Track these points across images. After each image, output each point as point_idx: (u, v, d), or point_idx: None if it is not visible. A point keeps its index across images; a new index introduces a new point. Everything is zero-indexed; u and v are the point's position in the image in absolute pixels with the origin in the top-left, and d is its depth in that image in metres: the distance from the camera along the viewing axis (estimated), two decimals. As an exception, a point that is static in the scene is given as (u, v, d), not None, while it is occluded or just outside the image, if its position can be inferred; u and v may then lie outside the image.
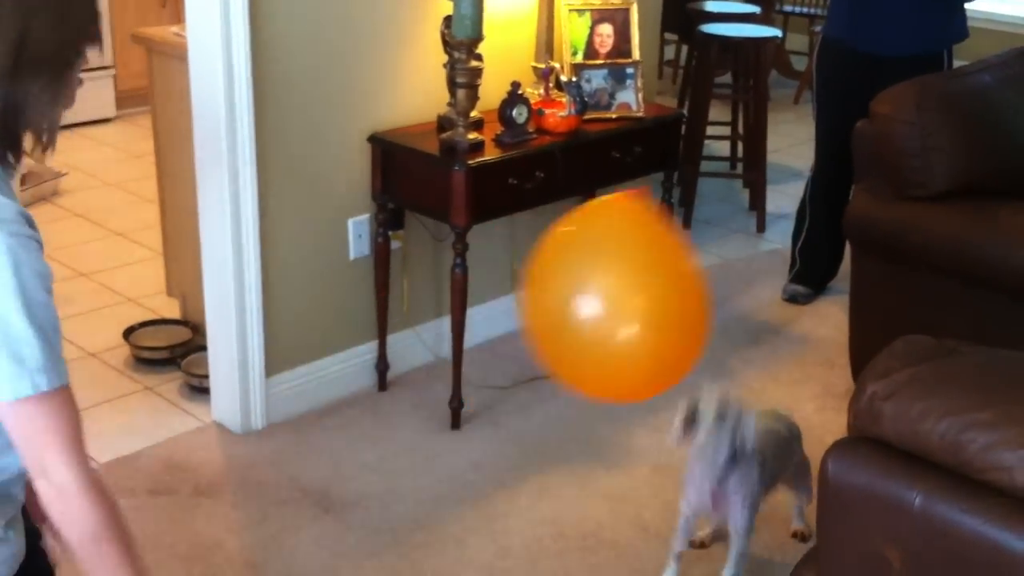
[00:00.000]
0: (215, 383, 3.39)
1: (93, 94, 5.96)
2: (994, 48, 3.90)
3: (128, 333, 3.77)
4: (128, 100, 6.13)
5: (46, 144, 1.46)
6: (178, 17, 5.77)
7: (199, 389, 3.51)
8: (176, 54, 3.50)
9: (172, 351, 3.69)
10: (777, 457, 2.67)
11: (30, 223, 1.41)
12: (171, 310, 3.98)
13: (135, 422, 3.39)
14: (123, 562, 1.45)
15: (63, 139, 5.38)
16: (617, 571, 2.82)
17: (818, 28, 6.41)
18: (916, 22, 3.92)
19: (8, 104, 1.39)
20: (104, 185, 5.29)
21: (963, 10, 4.05)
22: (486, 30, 3.22)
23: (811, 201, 4.33)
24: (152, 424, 3.36)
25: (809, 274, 4.38)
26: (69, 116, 5.57)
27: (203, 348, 3.52)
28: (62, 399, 1.39)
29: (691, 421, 2.47)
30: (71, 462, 1.39)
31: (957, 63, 3.96)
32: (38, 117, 1.43)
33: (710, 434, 2.44)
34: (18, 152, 1.45)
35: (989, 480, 1.63)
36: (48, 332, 1.38)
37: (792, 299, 4.33)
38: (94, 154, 5.65)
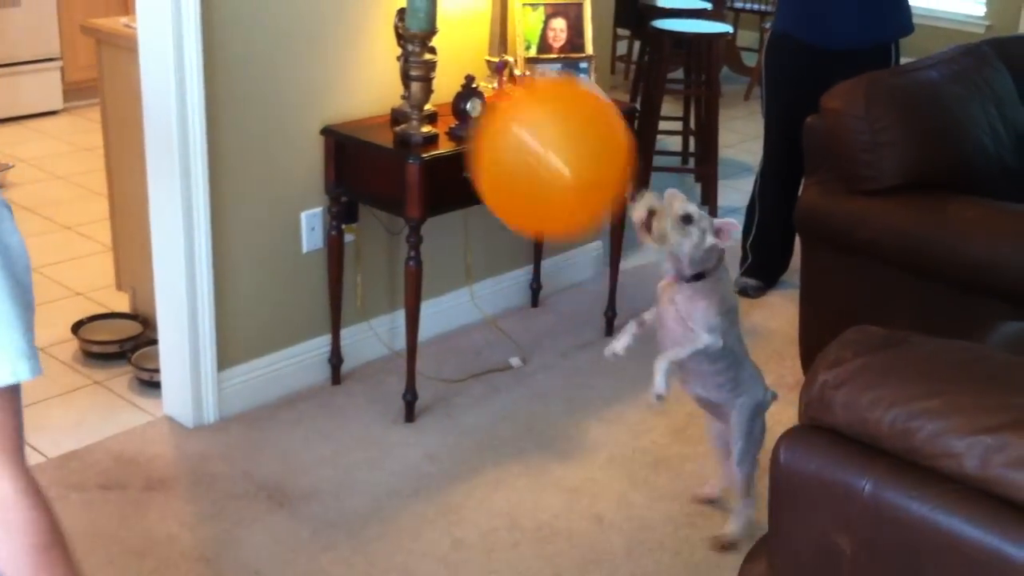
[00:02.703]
0: (166, 377, 3.36)
1: (40, 86, 5.88)
2: (939, 45, 3.96)
3: (77, 327, 3.73)
4: (76, 92, 6.05)
5: None
6: (127, 8, 5.71)
7: (149, 383, 3.48)
8: (126, 46, 3.46)
9: (122, 345, 3.65)
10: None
11: None
12: (121, 304, 3.94)
13: (85, 417, 3.35)
14: (70, 568, 1.32)
15: (10, 132, 5.32)
16: (571, 561, 2.84)
17: (768, 24, 6.47)
18: (862, 15, 3.98)
19: None
20: (52, 178, 5.22)
21: (908, 5, 4.11)
22: (440, 23, 3.21)
23: (761, 196, 4.37)
24: (102, 419, 3.33)
25: (760, 268, 4.42)
26: (15, 108, 5.52)
27: (153, 342, 3.49)
28: (12, 395, 1.26)
29: (651, 213, 2.56)
30: (16, 466, 1.24)
31: (906, 60, 4.01)
32: None
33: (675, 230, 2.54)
34: None
35: (938, 467, 1.66)
36: (30, 314, 1.26)
37: (743, 292, 4.37)
38: (41, 146, 5.56)
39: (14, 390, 1.24)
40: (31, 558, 1.26)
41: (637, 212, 2.56)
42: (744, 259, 4.45)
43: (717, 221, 2.63)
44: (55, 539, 1.28)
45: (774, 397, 2.93)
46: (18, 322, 1.23)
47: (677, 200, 2.60)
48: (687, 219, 2.57)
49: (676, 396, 3.58)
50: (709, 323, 2.69)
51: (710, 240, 2.61)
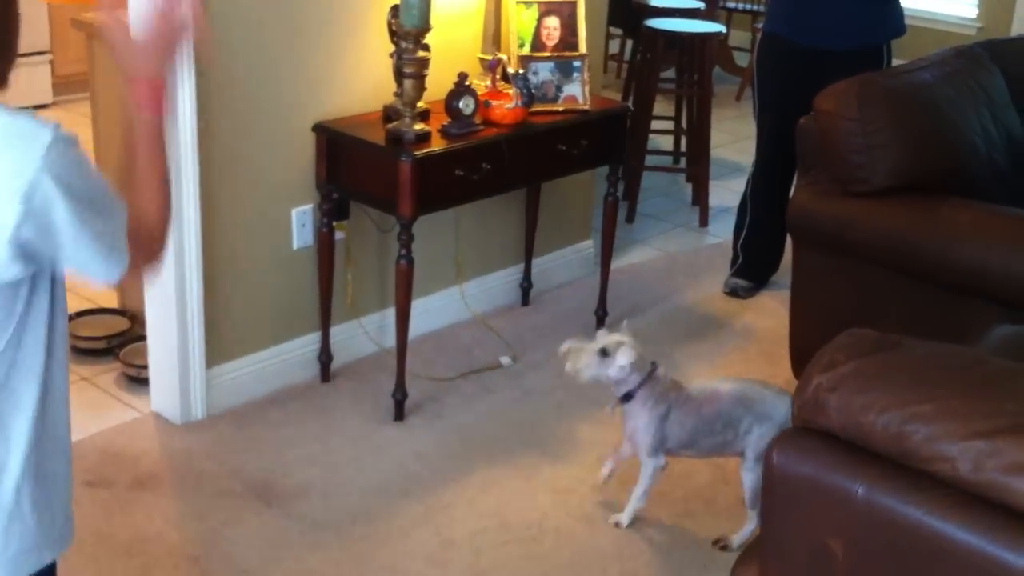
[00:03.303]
0: (154, 373, 3.34)
1: (30, 80, 5.85)
2: (931, 47, 3.97)
3: (65, 322, 3.70)
4: (65, 86, 6.03)
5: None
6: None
7: (137, 380, 3.46)
8: (117, 39, 3.43)
9: (109, 341, 3.63)
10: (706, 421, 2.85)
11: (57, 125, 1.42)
12: (108, 299, 3.92)
13: (72, 413, 3.31)
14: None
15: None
16: (561, 561, 2.83)
17: (760, 24, 6.47)
18: (854, 16, 3.98)
19: None
20: (41, 172, 5.18)
21: (899, 6, 4.11)
22: (433, 21, 3.20)
23: (752, 196, 4.36)
24: (89, 415, 3.31)
25: (751, 268, 4.42)
26: (5, 101, 5.44)
27: (142, 338, 3.47)
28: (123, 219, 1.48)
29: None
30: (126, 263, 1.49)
31: (898, 62, 4.01)
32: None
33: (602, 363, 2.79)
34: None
35: (932, 471, 1.65)
36: (114, 210, 1.46)
37: (733, 293, 4.37)
38: (30, 140, 5.51)
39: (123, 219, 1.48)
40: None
41: (561, 349, 2.84)
42: (735, 259, 4.44)
43: (608, 342, 2.80)
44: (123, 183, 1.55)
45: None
46: (104, 226, 1.43)
47: (603, 338, 2.83)
48: (603, 352, 2.78)
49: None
50: (645, 446, 2.88)
51: (615, 364, 2.78)
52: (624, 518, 2.95)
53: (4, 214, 1.33)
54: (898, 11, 4.12)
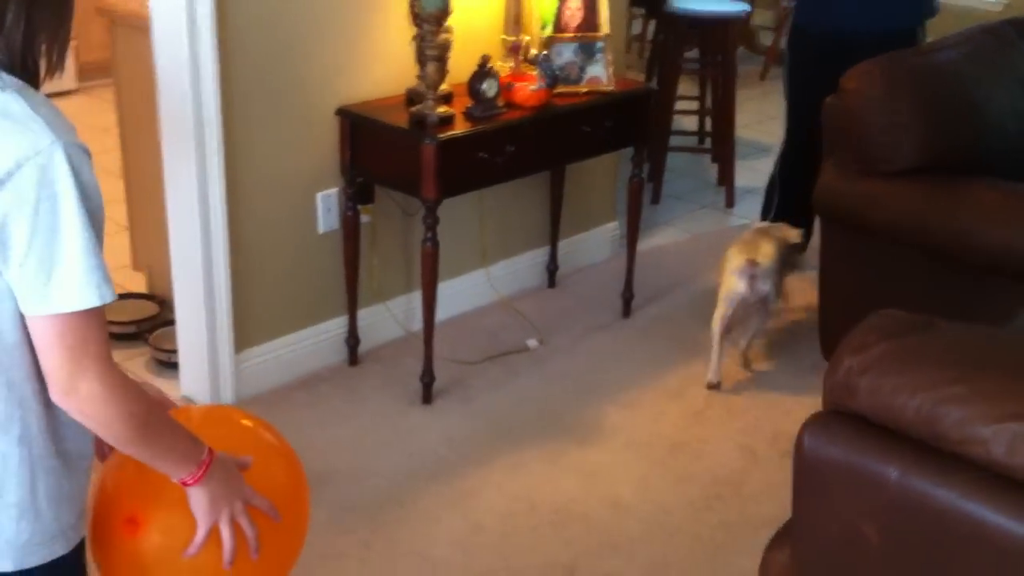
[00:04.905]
0: (184, 358, 3.36)
1: (54, 66, 5.86)
2: (955, 25, 3.91)
3: (93, 308, 3.72)
4: (89, 72, 6.04)
5: (56, 65, 1.44)
6: (141, -12, 5.69)
7: (167, 364, 3.48)
8: (140, 26, 3.44)
9: (139, 326, 3.65)
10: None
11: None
12: (137, 284, 3.94)
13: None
14: (171, 431, 1.49)
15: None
16: (588, 545, 2.83)
17: (785, 2, 6.41)
18: (887, 1, 3.91)
19: (29, 28, 1.38)
20: (66, 158, 5.21)
21: None
22: (455, 3, 3.19)
23: (781, 178, 4.33)
24: (119, 400, 3.32)
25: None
26: (31, 88, 5.25)
27: (170, 322, 3.48)
28: (101, 312, 1.39)
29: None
30: (104, 363, 1.39)
31: (923, 40, 3.97)
32: (51, 38, 1.42)
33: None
34: (39, 75, 1.43)
35: (965, 454, 1.64)
36: (102, 243, 1.39)
37: None
38: (55, 127, 5.54)
39: (101, 308, 1.38)
40: (135, 435, 1.43)
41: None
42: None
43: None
44: (148, 415, 1.44)
45: None
46: (98, 248, 1.37)
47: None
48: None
49: (694, 380, 3.58)
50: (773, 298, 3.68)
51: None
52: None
53: None
54: None
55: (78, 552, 1.53)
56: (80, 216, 1.34)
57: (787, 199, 4.31)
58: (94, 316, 1.36)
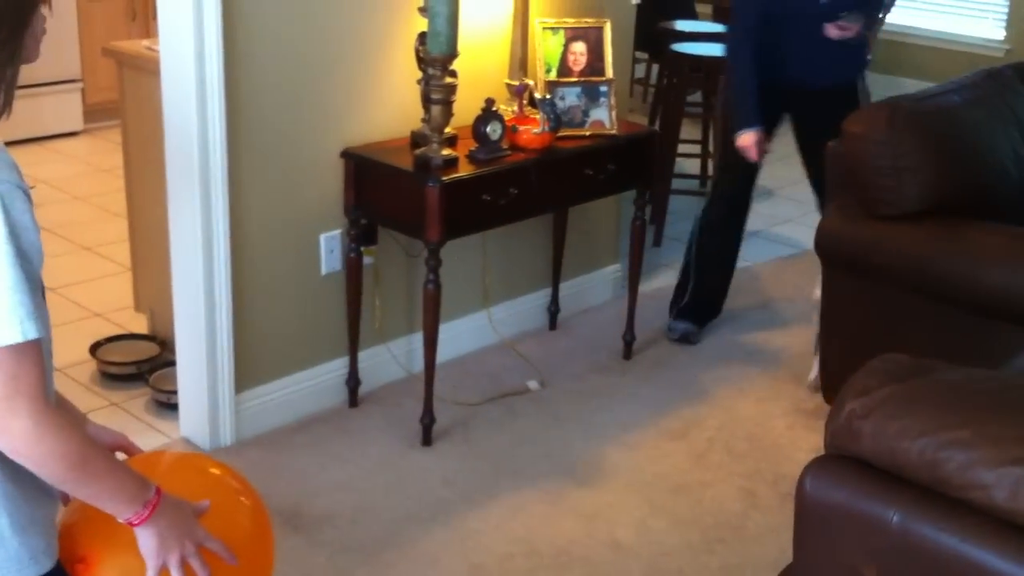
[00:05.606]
0: (184, 399, 3.36)
1: (60, 107, 5.90)
2: (958, 69, 3.93)
3: (95, 348, 3.73)
4: (96, 114, 6.08)
5: (2, 105, 1.45)
6: (147, 31, 5.74)
7: (167, 405, 3.48)
8: (148, 68, 3.47)
9: (139, 366, 3.65)
10: None
11: (20, 174, 1.43)
12: (139, 325, 3.94)
13: (102, 438, 3.34)
14: (110, 471, 1.48)
15: (30, 152, 5.31)
16: (590, 589, 2.81)
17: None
18: (828, 57, 3.86)
19: None
20: (72, 199, 5.24)
21: (867, 42, 4.00)
22: (460, 47, 3.21)
23: (699, 242, 4.15)
24: (120, 440, 3.32)
25: (693, 311, 4.18)
26: (36, 129, 5.50)
27: (171, 363, 3.48)
28: (29, 348, 1.39)
29: None
30: (36, 403, 1.39)
31: (925, 84, 3.98)
32: None
33: None
34: None
35: (967, 498, 1.64)
36: (34, 283, 1.41)
37: (684, 339, 4.11)
38: (61, 167, 5.58)
39: (31, 345, 1.39)
40: (71, 475, 1.43)
41: None
42: (676, 300, 4.23)
43: None
44: (85, 454, 1.44)
45: None
46: (25, 286, 1.39)
47: None
48: None
49: (695, 422, 3.57)
50: None
51: None
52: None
53: None
54: (865, 47, 3.99)
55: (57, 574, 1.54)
56: (5, 254, 1.36)
57: (707, 257, 4.15)
58: (26, 353, 1.38)
